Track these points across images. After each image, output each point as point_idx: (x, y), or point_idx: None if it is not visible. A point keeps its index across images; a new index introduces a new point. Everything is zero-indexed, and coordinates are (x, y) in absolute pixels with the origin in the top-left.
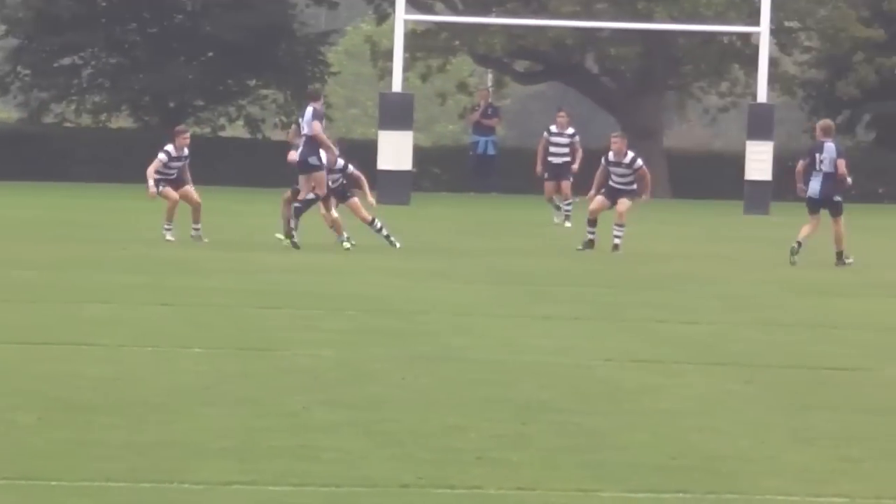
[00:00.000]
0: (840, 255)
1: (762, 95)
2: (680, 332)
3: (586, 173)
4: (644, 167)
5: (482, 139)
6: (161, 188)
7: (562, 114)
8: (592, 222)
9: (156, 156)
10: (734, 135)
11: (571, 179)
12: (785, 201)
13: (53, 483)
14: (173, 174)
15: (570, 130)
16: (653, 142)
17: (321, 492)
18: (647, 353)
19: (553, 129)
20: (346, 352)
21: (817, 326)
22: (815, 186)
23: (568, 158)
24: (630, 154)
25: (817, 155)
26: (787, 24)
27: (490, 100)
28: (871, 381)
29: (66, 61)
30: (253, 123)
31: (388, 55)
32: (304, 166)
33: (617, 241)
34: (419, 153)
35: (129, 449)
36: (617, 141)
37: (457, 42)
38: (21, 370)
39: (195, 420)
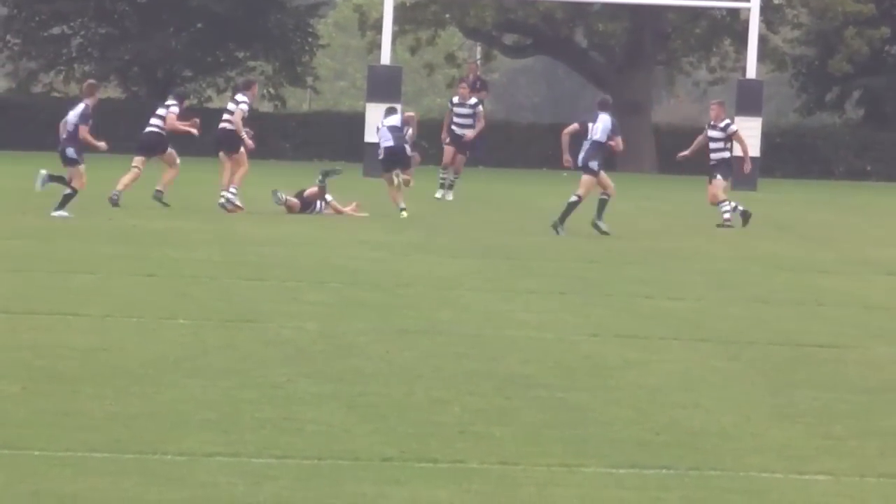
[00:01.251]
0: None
1: (751, 71)
2: (665, 308)
3: (534, 145)
4: (738, 131)
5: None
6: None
7: (463, 85)
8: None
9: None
10: None
11: (468, 154)
12: (772, 177)
13: (37, 453)
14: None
15: (473, 101)
16: (641, 117)
17: (304, 464)
18: (632, 328)
19: (455, 100)
20: (331, 324)
21: (802, 304)
22: None
23: (469, 130)
24: (726, 120)
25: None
26: (775, 0)
27: (479, 73)
28: (855, 358)
29: (56, 31)
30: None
31: (378, 27)
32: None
33: (726, 214)
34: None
35: (113, 420)
36: (715, 107)
37: (446, 15)
38: (5, 340)
39: (179, 391)
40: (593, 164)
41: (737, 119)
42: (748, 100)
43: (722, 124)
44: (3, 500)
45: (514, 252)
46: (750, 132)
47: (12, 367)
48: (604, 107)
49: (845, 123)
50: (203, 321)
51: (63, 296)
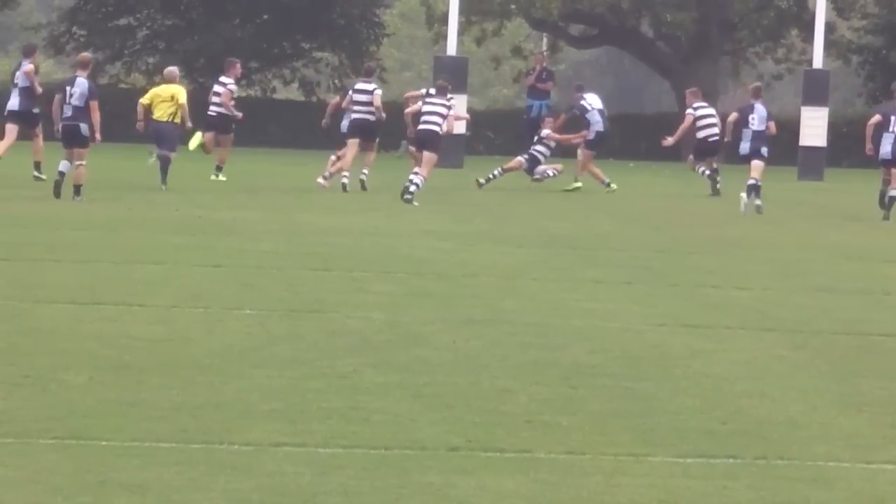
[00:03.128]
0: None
1: (818, 61)
2: (731, 298)
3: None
4: (688, 116)
5: (536, 103)
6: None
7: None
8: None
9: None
10: (789, 100)
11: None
12: (839, 167)
13: (103, 443)
14: None
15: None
16: None
17: (371, 454)
18: (698, 318)
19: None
20: (396, 314)
21: (868, 293)
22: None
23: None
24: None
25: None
26: None
27: (545, 64)
28: None
29: (122, 22)
30: (307, 86)
31: (444, 18)
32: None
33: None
34: (473, 117)
35: (179, 410)
36: (688, 95)
37: (512, 6)
38: (72, 330)
39: (245, 381)
40: (764, 151)
41: (802, 109)
42: (815, 90)
43: (688, 110)
44: (70, 490)
45: (579, 241)
46: (816, 122)
47: (79, 358)
48: (756, 95)
49: None
50: (269, 311)
51: (129, 286)
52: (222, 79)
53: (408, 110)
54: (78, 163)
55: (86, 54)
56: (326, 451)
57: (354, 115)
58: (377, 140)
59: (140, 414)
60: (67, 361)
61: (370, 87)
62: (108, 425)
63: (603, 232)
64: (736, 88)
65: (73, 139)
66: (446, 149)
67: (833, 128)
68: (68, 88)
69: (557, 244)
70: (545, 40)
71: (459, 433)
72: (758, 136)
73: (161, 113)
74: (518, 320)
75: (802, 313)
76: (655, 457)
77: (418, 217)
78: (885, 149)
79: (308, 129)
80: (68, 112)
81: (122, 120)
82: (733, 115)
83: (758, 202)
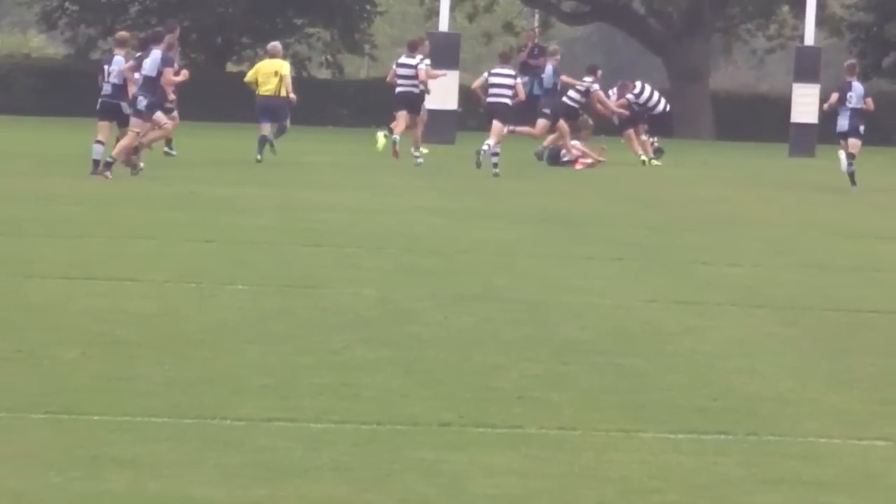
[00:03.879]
0: None
1: (809, 38)
2: (722, 274)
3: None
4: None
5: (528, 79)
6: None
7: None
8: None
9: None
10: (780, 77)
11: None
12: (831, 144)
13: (96, 417)
14: None
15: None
16: (699, 84)
17: (362, 429)
18: (689, 294)
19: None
20: (388, 290)
21: (859, 270)
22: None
23: (507, 99)
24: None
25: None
26: None
27: (537, 40)
28: None
29: None
30: (299, 62)
31: None
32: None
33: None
34: (465, 93)
35: (172, 385)
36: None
37: None
38: (65, 305)
39: (237, 357)
40: (861, 129)
41: (794, 86)
42: (806, 67)
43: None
44: (63, 465)
45: (572, 218)
46: (808, 99)
47: (71, 333)
48: (851, 72)
49: None
50: (261, 287)
51: (122, 262)
52: (408, 59)
53: (475, 84)
54: (130, 130)
55: (123, 32)
56: (318, 427)
57: (399, 89)
58: (422, 112)
59: (132, 389)
60: (60, 337)
61: (414, 61)
62: (100, 400)
63: (595, 209)
64: (727, 66)
65: (114, 116)
66: (438, 125)
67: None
68: (106, 67)
69: (549, 221)
70: (537, 17)
71: (451, 409)
72: (856, 114)
73: (267, 88)
74: (509, 297)
75: (793, 290)
76: (646, 433)
77: (411, 193)
78: (842, 122)
79: (299, 105)
80: (108, 90)
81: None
82: (834, 95)
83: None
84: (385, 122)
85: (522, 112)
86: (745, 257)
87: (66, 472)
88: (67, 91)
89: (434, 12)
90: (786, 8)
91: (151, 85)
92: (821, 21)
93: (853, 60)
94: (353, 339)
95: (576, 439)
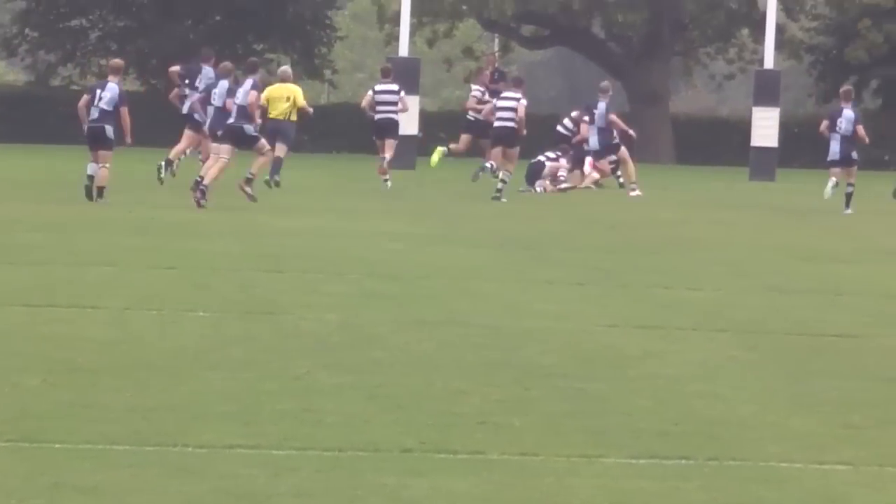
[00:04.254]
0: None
1: (769, 61)
2: (683, 298)
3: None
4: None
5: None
6: None
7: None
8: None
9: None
10: (740, 101)
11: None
12: (791, 168)
13: (57, 445)
14: None
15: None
16: (659, 107)
17: (324, 456)
18: (651, 318)
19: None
20: (350, 315)
21: (820, 293)
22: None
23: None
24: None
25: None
26: None
27: (497, 65)
28: (873, 348)
29: (74, 23)
30: (259, 88)
31: (395, 19)
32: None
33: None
34: (425, 118)
35: (133, 412)
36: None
37: (464, 7)
38: (26, 332)
39: (199, 383)
40: (854, 154)
41: (754, 109)
42: (766, 90)
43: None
44: (24, 493)
45: (533, 242)
46: (768, 122)
47: (32, 360)
48: (846, 98)
49: (863, 113)
50: (223, 313)
51: (83, 288)
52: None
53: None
54: (102, 165)
55: (118, 60)
56: (280, 453)
57: (380, 116)
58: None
59: (94, 416)
60: (21, 364)
61: (395, 87)
62: (61, 427)
63: (556, 233)
64: (688, 89)
65: (97, 141)
66: (399, 150)
67: (784, 128)
68: (98, 91)
69: (511, 245)
70: (497, 41)
71: (413, 434)
72: (846, 140)
73: (278, 111)
74: (471, 321)
75: (755, 313)
76: (608, 458)
77: (372, 218)
78: (834, 149)
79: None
80: (95, 114)
81: (74, 121)
82: (824, 123)
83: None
84: (345, 146)
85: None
86: (706, 281)
87: (28, 500)
88: (28, 117)
89: (394, 37)
90: (745, 31)
91: (246, 112)
92: (780, 44)
93: (849, 87)
94: (315, 364)
95: (537, 464)
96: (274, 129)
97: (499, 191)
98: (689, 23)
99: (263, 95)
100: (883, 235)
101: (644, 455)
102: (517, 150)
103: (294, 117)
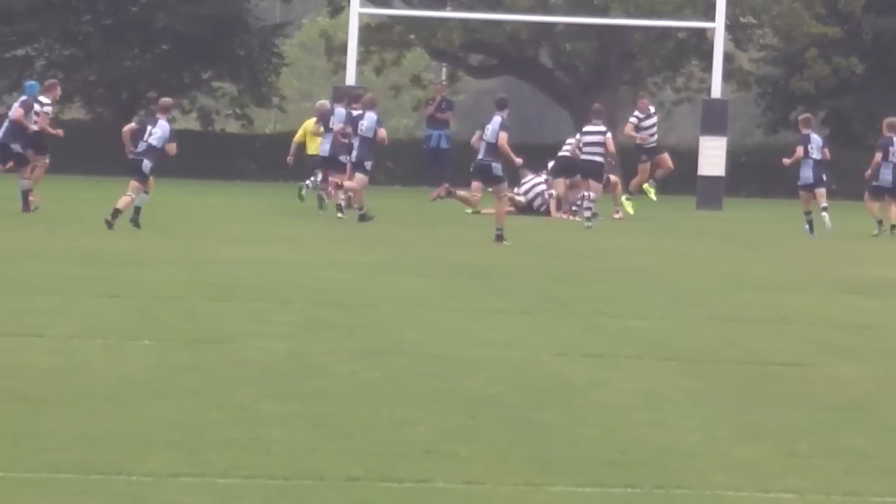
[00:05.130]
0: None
1: (716, 91)
2: (630, 327)
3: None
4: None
5: (436, 133)
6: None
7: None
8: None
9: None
10: (688, 130)
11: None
12: (738, 196)
13: (1, 474)
14: None
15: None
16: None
17: (270, 484)
18: (597, 347)
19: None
20: (296, 345)
21: (767, 322)
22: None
23: (599, 157)
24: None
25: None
26: (742, 20)
27: (444, 94)
28: (820, 377)
29: (20, 52)
30: (206, 116)
31: (343, 49)
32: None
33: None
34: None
35: (78, 440)
36: None
37: (411, 36)
38: None
39: (144, 412)
40: (824, 177)
41: (701, 138)
42: (713, 119)
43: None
44: None
45: (481, 271)
46: (715, 151)
47: None
48: (807, 125)
49: None
50: (168, 342)
51: (27, 317)
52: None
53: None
54: (128, 194)
55: (167, 99)
56: (226, 482)
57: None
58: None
59: (38, 445)
60: None
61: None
62: (5, 456)
63: (504, 261)
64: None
65: (134, 171)
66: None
67: (732, 157)
68: (150, 127)
69: (459, 274)
70: (444, 70)
71: (358, 463)
72: (817, 165)
73: (316, 147)
74: (418, 350)
75: (701, 343)
76: (555, 486)
77: (319, 247)
78: (806, 174)
79: (206, 160)
80: (142, 147)
81: None
82: (799, 149)
83: (827, 223)
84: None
85: (438, 166)
86: (652, 310)
87: None
88: None
89: (341, 66)
90: (694, 61)
91: (370, 145)
92: (728, 74)
93: (808, 115)
94: (260, 393)
95: (484, 493)
96: (314, 164)
97: (590, 217)
98: (637, 52)
99: (300, 132)
100: (830, 265)
101: (591, 483)
102: (601, 183)
103: None
